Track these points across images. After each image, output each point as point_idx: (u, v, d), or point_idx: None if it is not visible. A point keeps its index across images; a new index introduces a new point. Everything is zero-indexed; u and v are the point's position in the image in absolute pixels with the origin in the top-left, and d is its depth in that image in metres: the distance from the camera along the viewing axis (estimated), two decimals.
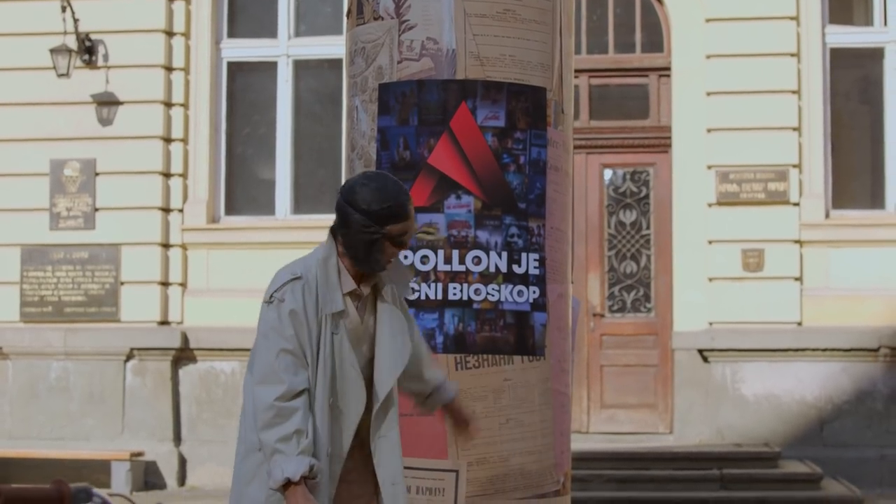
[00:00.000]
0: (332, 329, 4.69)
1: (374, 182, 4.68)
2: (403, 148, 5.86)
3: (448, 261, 5.79)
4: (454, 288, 5.78)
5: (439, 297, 5.78)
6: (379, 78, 5.93)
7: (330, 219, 13.95)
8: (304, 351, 4.63)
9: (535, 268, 5.87)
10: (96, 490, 2.49)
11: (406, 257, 5.76)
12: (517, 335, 5.82)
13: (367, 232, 4.66)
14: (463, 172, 5.81)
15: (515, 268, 5.84)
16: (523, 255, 5.83)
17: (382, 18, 5.95)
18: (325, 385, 4.67)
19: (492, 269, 5.79)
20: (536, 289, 5.86)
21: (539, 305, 5.88)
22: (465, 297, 5.74)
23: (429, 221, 5.79)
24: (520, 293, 5.84)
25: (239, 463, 4.74)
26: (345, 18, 6.30)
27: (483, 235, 5.80)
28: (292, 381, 4.57)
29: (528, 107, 5.88)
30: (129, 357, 14.14)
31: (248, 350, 11.88)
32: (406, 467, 5.70)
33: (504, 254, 5.80)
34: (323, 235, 13.37)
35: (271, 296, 4.67)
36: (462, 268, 5.78)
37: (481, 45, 5.83)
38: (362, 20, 6.04)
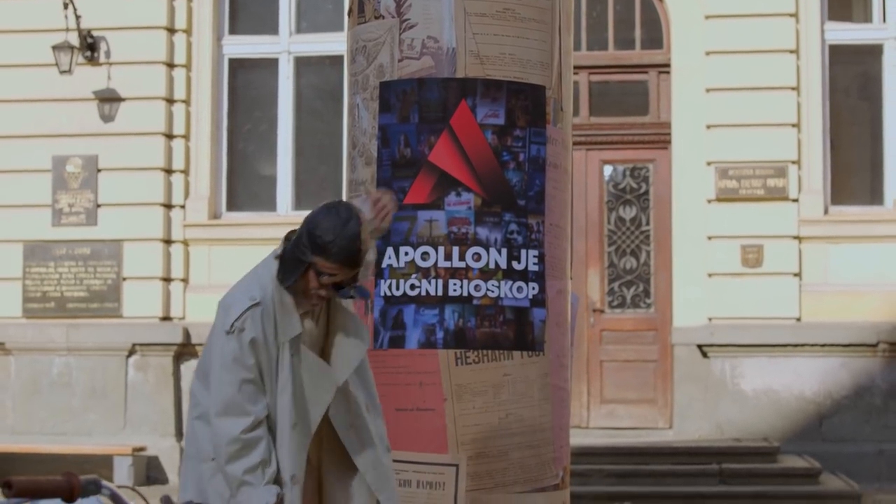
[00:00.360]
0: (291, 352, 4.68)
1: (340, 216, 4.60)
2: (404, 145, 5.92)
3: (448, 257, 5.85)
4: (454, 284, 5.84)
5: (440, 293, 5.84)
6: (380, 76, 5.99)
7: None
8: (264, 378, 4.61)
9: (534, 264, 5.93)
10: (105, 482, 2.54)
11: (407, 253, 5.82)
12: (517, 331, 5.88)
13: (301, 253, 4.64)
14: (463, 170, 5.87)
15: (515, 264, 5.90)
16: (523, 251, 5.89)
17: (383, 17, 6.00)
18: (287, 408, 4.66)
19: (492, 266, 5.85)
20: (536, 285, 5.92)
21: (538, 301, 5.94)
22: (465, 294, 5.80)
23: (429, 218, 5.86)
24: (519, 289, 5.90)
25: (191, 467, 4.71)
26: (346, 17, 6.37)
27: (483, 232, 5.86)
28: (256, 411, 4.56)
29: (527, 105, 5.94)
30: (131, 352, 14.21)
31: None
32: (407, 461, 5.78)
33: (504, 250, 5.86)
34: None
35: (232, 325, 4.60)
36: (462, 264, 5.85)
37: (481, 44, 5.89)
38: (363, 19, 6.10)
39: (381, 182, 5.94)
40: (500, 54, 5.91)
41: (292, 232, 4.75)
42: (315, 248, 4.57)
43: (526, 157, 5.93)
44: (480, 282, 5.82)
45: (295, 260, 4.63)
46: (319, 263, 4.59)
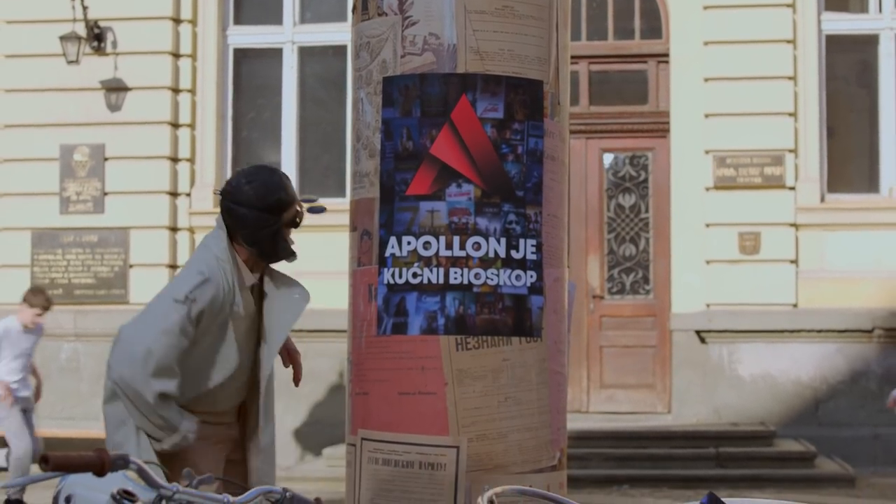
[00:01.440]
0: (232, 321, 5.12)
1: (255, 179, 5.09)
2: (406, 139, 6.09)
3: (449, 246, 6.02)
4: (455, 272, 6.00)
5: (441, 281, 6.02)
6: (383, 71, 6.17)
7: (335, 202, 14.15)
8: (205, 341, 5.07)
9: (532, 253, 6.10)
10: (132, 457, 2.72)
11: (409, 243, 6.02)
12: (515, 317, 6.05)
13: (268, 226, 4.93)
14: (463, 162, 6.05)
15: (514, 253, 6.07)
16: (521, 240, 6.06)
17: (386, 14, 6.18)
18: (224, 371, 5.18)
19: (491, 255, 6.01)
20: (534, 273, 6.10)
21: (536, 289, 6.11)
22: (465, 282, 5.97)
23: (431, 208, 6.04)
24: (518, 277, 6.07)
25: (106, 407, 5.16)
26: (349, 13, 6.55)
27: (483, 222, 6.03)
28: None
29: (525, 99, 6.11)
30: None
31: None
32: (409, 443, 5.98)
33: (503, 240, 6.03)
34: (328, 219, 13.67)
35: (185, 296, 4.96)
36: (462, 253, 6.02)
37: (481, 41, 6.06)
38: (367, 16, 6.27)
39: (385, 173, 6.13)
40: (500, 50, 6.08)
41: (227, 215, 5.15)
42: (277, 210, 5.11)
43: (524, 149, 6.10)
44: (480, 270, 5.99)
45: (271, 236, 4.97)
46: (287, 216, 5.12)
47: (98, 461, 2.88)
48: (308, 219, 14.88)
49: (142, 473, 3.02)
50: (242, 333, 5.28)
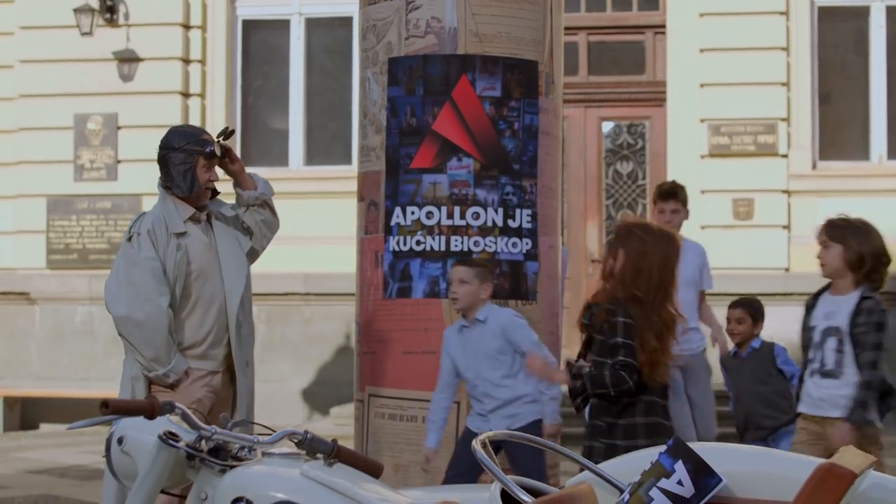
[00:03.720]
0: (176, 247, 5.86)
1: (177, 129, 6.18)
2: (410, 115, 6.53)
3: (450, 216, 6.47)
4: (456, 240, 6.45)
5: (443, 248, 6.46)
6: (388, 52, 6.60)
7: (341, 170, 14.51)
8: (165, 268, 5.84)
9: (527, 222, 6.55)
10: (178, 404, 3.14)
11: (413, 212, 6.46)
12: (512, 282, 6.50)
13: (182, 162, 5.93)
14: (463, 137, 6.48)
15: (510, 222, 6.52)
16: (517, 210, 6.51)
17: None
18: (194, 299, 5.97)
19: (489, 224, 6.46)
20: (529, 241, 6.54)
21: (531, 255, 6.56)
22: (465, 249, 6.42)
23: (433, 181, 6.48)
24: (514, 245, 6.52)
25: None
26: None
27: (481, 193, 6.48)
28: (162, 301, 5.79)
29: (521, 78, 6.55)
30: None
31: (265, 294, 12.67)
32: (414, 399, 6.45)
33: (500, 210, 6.48)
34: (335, 186, 14.07)
35: (129, 232, 5.90)
36: (463, 222, 6.47)
37: (480, 24, 6.49)
38: (374, 0, 6.71)
39: (390, 148, 6.57)
40: (497, 33, 6.51)
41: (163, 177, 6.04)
42: (197, 144, 5.98)
43: (520, 125, 6.54)
44: (479, 238, 6.44)
45: (183, 171, 5.94)
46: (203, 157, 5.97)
47: (149, 406, 3.35)
48: (315, 184, 15.15)
49: (185, 417, 3.47)
50: (201, 267, 6.00)
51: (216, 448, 3.52)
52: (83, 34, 14.50)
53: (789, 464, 3.73)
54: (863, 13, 14.50)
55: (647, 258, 5.27)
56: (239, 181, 6.23)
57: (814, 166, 14.30)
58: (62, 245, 14.99)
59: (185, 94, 14.92)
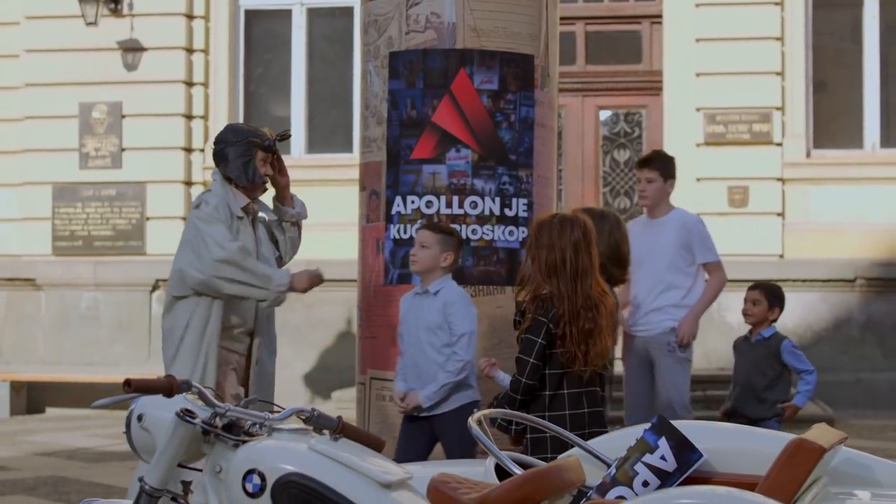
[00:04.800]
0: (236, 230, 6.40)
1: (230, 127, 6.71)
2: (410, 108, 6.75)
3: (449, 205, 6.69)
4: (454, 228, 6.68)
5: None
6: (389, 47, 6.82)
7: (342, 158, 14.72)
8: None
9: (523, 211, 6.77)
10: (194, 383, 3.35)
11: (413, 202, 6.69)
12: (508, 269, 6.73)
13: (240, 155, 6.40)
14: (462, 129, 6.71)
15: (507, 211, 6.74)
16: (514, 199, 6.73)
17: None
18: None
19: (486, 213, 6.68)
20: (525, 229, 6.76)
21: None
22: (463, 236, 6.64)
23: (432, 171, 6.70)
24: (510, 233, 6.74)
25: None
26: None
27: (479, 183, 6.70)
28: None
29: (518, 72, 6.77)
30: (154, 287, 14.95)
31: None
32: None
33: (497, 199, 6.70)
34: (336, 174, 14.30)
35: (198, 202, 6.45)
36: (461, 211, 6.69)
37: (477, 19, 6.71)
38: None
39: (391, 139, 6.79)
40: (494, 28, 6.73)
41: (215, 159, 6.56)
42: (255, 137, 6.45)
43: (517, 117, 6.76)
44: (477, 226, 6.67)
45: (242, 163, 6.39)
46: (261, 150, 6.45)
47: (168, 385, 3.59)
48: (317, 172, 15.41)
49: (201, 395, 3.71)
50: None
51: (229, 424, 3.76)
52: (88, 24, 14.64)
53: (765, 440, 3.97)
54: (857, 3, 14.65)
55: (556, 251, 5.29)
56: (281, 196, 6.76)
57: (808, 154, 14.50)
58: (67, 232, 15.16)
59: (189, 84, 15.10)
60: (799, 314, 14.16)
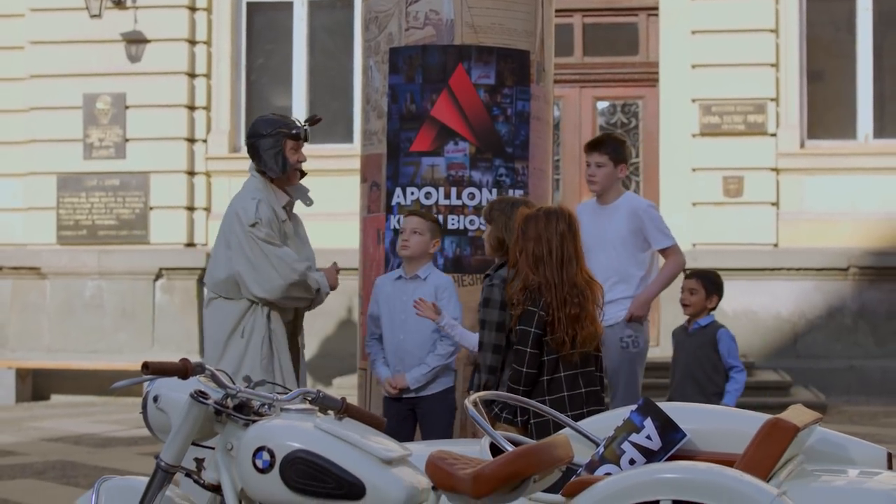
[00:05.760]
0: (284, 235, 6.61)
1: (260, 118, 6.81)
2: (410, 102, 6.97)
3: (447, 196, 6.91)
4: (453, 219, 6.89)
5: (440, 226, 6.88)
6: (389, 43, 7.03)
7: (343, 148, 14.84)
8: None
9: None
10: (207, 365, 3.57)
11: (413, 193, 6.90)
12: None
13: (272, 146, 6.55)
14: (460, 122, 6.92)
15: None
16: (510, 191, 6.94)
17: None
18: None
19: (484, 204, 6.89)
20: None
21: None
22: (461, 227, 6.86)
23: (431, 163, 6.92)
24: None
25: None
26: None
27: (476, 175, 6.92)
28: (300, 267, 6.56)
29: (514, 67, 6.98)
30: (157, 276, 15.15)
31: None
32: None
33: (494, 190, 6.91)
34: (336, 164, 14.44)
35: (253, 220, 6.49)
36: (459, 202, 6.91)
37: (475, 16, 6.92)
38: None
39: (391, 132, 7.01)
40: (492, 24, 6.95)
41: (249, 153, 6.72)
42: (283, 127, 6.61)
43: (513, 111, 6.98)
44: (475, 217, 6.88)
45: (275, 152, 6.58)
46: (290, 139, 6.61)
47: (183, 368, 3.82)
48: (317, 162, 15.62)
49: (213, 378, 3.94)
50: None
51: (240, 405, 3.99)
52: (92, 16, 14.77)
53: (745, 420, 4.19)
54: None
55: (542, 242, 5.42)
56: None
57: (802, 145, 14.66)
58: (72, 221, 15.33)
59: (192, 75, 15.26)
60: (793, 302, 14.35)
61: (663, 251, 7.90)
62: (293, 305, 6.69)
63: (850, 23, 14.89)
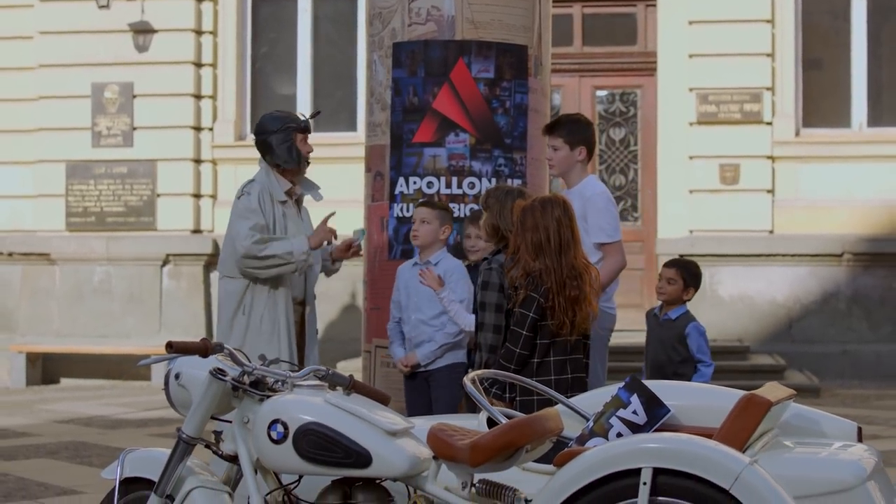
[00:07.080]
0: (282, 214, 6.94)
1: (267, 114, 7.25)
2: (413, 95, 7.25)
3: (448, 186, 7.19)
4: (453, 207, 7.16)
5: None
6: (393, 38, 7.31)
7: (347, 136, 15.08)
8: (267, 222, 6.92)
9: None
10: (226, 344, 3.86)
11: (415, 182, 7.18)
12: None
13: (284, 139, 6.97)
14: (460, 115, 7.20)
15: None
16: (509, 181, 7.22)
17: None
18: None
19: (483, 192, 7.16)
20: None
21: None
22: (462, 215, 7.13)
23: (433, 154, 7.20)
24: None
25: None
26: None
27: (476, 165, 7.19)
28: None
29: (513, 61, 7.26)
30: (165, 262, 15.42)
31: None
32: None
33: (493, 180, 7.19)
34: (340, 152, 14.70)
35: (241, 190, 6.94)
36: (460, 191, 7.19)
37: (475, 12, 7.20)
38: None
39: (394, 124, 7.29)
40: (491, 20, 7.22)
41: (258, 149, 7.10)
42: (292, 122, 7.07)
43: (512, 104, 7.25)
44: (474, 205, 7.16)
45: (287, 146, 6.98)
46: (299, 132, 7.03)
47: (203, 347, 4.12)
48: (322, 150, 15.82)
49: (231, 356, 4.25)
50: (294, 235, 7.00)
51: (256, 381, 4.30)
52: (100, 6, 15.01)
53: (724, 397, 4.48)
54: None
55: (540, 230, 5.62)
56: (339, 259, 7.43)
57: (797, 133, 14.89)
58: (81, 208, 15.57)
59: (198, 64, 15.50)
60: (788, 288, 14.57)
61: (600, 247, 6.95)
62: (267, 276, 6.90)
63: (845, 12, 15.07)
